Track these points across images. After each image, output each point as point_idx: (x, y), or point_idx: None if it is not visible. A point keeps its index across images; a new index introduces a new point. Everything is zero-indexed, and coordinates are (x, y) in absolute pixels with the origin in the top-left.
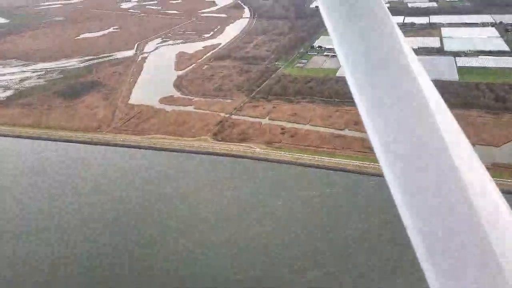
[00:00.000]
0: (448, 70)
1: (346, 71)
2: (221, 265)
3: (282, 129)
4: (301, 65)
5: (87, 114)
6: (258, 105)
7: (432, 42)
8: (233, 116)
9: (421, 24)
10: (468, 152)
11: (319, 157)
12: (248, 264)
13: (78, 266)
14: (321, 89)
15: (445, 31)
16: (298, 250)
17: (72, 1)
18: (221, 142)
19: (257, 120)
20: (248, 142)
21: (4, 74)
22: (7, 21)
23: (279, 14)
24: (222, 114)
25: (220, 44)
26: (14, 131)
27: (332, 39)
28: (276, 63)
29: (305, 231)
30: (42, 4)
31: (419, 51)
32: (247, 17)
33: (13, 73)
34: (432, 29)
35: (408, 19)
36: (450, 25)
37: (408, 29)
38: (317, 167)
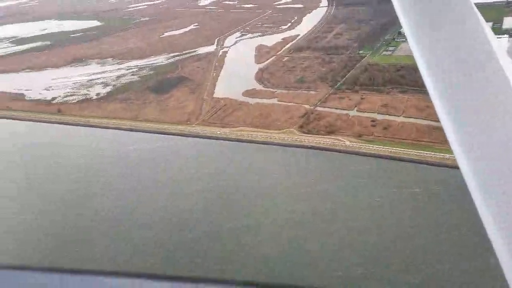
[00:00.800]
0: None
1: (421, 67)
2: (307, 263)
3: (373, 121)
4: (388, 53)
5: (177, 107)
6: (344, 96)
7: None
8: (318, 108)
9: None
10: None
11: (418, 151)
12: (339, 264)
13: (165, 257)
14: (414, 77)
15: None
16: (398, 250)
17: (156, 2)
18: (308, 135)
19: (344, 111)
20: (336, 134)
21: (103, 72)
22: (102, 23)
23: (359, 1)
24: (307, 106)
25: (299, 35)
26: (116, 124)
27: (405, 31)
28: (360, 52)
29: (408, 230)
30: (130, 6)
31: None
32: (324, 6)
33: (110, 71)
34: None
35: None
36: None
37: None
38: (416, 161)
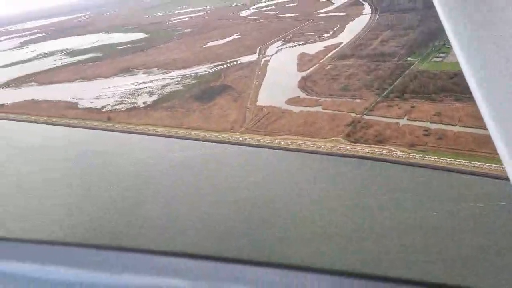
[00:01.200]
0: None
1: (466, 73)
2: None
3: (426, 130)
4: (439, 59)
5: (221, 115)
6: (392, 104)
7: None
8: (365, 117)
9: None
10: None
11: (476, 162)
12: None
13: None
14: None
15: None
16: (463, 268)
17: (198, 14)
18: (355, 144)
19: (394, 120)
20: (386, 144)
21: (149, 81)
22: (147, 35)
23: (405, 7)
24: (353, 115)
25: (342, 43)
26: (163, 131)
27: (449, 36)
28: (408, 58)
29: (473, 248)
30: (173, 18)
31: None
32: (368, 13)
33: (156, 80)
34: None
35: None
36: None
37: None
38: (475, 174)
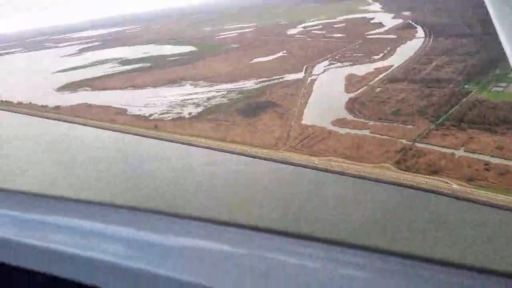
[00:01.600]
0: None
1: None
2: None
3: (486, 164)
4: (499, 89)
5: (265, 131)
6: (447, 133)
7: None
8: (418, 144)
9: None
10: None
11: None
12: None
13: None
14: None
15: None
16: None
17: (245, 30)
18: (406, 172)
19: (449, 150)
20: (441, 175)
21: (195, 93)
22: (195, 49)
23: (462, 32)
24: (404, 141)
25: (393, 66)
26: (206, 143)
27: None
28: (466, 86)
29: None
30: (221, 34)
31: None
32: (421, 37)
33: (202, 93)
34: None
35: None
36: None
37: None
38: None
